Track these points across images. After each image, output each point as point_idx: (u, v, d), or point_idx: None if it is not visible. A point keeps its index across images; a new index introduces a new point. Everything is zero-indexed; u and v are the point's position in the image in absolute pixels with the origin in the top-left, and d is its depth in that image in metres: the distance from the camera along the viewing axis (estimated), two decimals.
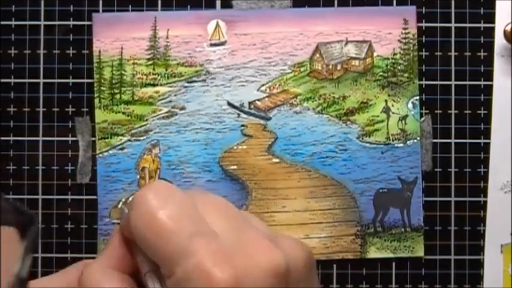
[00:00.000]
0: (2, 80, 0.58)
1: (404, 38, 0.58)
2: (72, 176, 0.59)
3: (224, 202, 0.45)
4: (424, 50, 0.59)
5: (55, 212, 0.58)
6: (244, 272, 0.40)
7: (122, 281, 0.45)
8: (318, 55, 0.58)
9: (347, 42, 0.59)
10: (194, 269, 0.39)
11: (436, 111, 0.59)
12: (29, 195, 0.58)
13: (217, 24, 0.58)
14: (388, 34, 0.58)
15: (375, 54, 0.59)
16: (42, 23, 0.59)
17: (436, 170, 0.59)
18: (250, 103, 0.58)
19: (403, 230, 0.58)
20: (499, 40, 0.59)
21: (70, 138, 0.59)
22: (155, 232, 0.41)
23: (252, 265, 0.40)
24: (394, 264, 0.58)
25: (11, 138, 0.58)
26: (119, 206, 0.58)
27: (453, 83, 0.59)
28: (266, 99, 0.59)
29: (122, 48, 0.58)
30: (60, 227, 0.58)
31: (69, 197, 0.59)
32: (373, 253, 0.58)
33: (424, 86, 0.59)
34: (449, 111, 0.59)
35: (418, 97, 0.59)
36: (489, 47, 0.59)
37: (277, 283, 0.41)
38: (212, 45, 0.58)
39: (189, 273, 0.39)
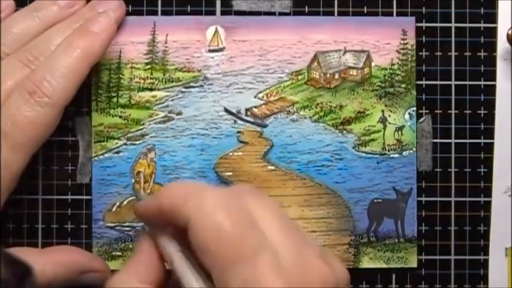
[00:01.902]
0: None
1: (403, 49, 0.58)
2: (72, 176, 0.59)
3: (277, 207, 0.46)
4: (424, 50, 0.59)
5: (55, 212, 0.58)
6: None
7: None
8: (315, 64, 0.58)
9: (345, 51, 0.58)
10: (253, 281, 0.40)
11: (436, 111, 0.59)
12: (29, 195, 0.58)
13: (216, 30, 0.58)
14: (387, 44, 0.58)
15: (373, 64, 0.58)
16: None
17: (436, 170, 0.59)
18: (247, 110, 0.58)
19: (396, 240, 0.58)
20: (502, 43, 0.59)
21: (70, 138, 0.59)
22: (219, 242, 0.41)
23: (307, 284, 0.41)
24: None
25: None
26: (113, 209, 0.58)
27: (453, 83, 0.59)
28: (263, 106, 0.58)
29: (120, 51, 0.58)
30: (60, 227, 0.58)
31: (69, 197, 0.59)
32: (366, 263, 0.58)
33: (424, 86, 0.59)
34: (449, 111, 0.59)
35: (415, 108, 0.59)
36: (489, 47, 0.59)
37: None
38: (210, 51, 0.58)
39: (246, 284, 0.40)
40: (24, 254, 0.49)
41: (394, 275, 0.59)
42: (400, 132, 0.58)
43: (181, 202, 0.43)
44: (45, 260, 0.52)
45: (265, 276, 0.40)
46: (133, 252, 0.50)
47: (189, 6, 0.59)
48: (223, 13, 0.59)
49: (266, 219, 0.43)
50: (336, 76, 0.58)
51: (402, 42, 0.58)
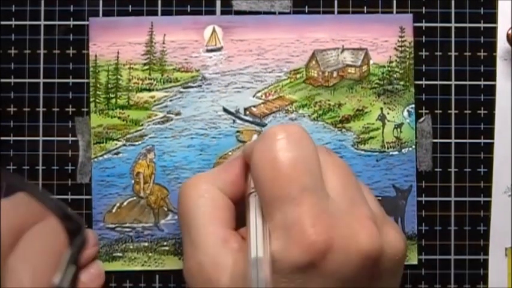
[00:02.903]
0: (2, 80, 0.59)
1: (401, 46, 0.58)
2: (72, 176, 0.59)
3: (346, 168, 0.46)
4: (423, 49, 0.59)
5: None
6: (339, 245, 0.41)
7: (218, 198, 0.47)
8: (314, 62, 0.58)
9: (343, 49, 0.58)
10: (293, 221, 0.40)
11: (436, 111, 0.59)
12: None
13: (214, 30, 0.58)
14: (385, 42, 0.58)
15: (371, 61, 0.58)
16: (42, 23, 0.59)
17: (436, 170, 0.59)
18: (245, 109, 0.58)
19: None
20: (502, 43, 0.58)
21: (70, 138, 0.59)
22: (271, 172, 0.42)
23: (350, 242, 0.41)
24: None
25: (11, 138, 0.59)
26: (113, 210, 0.58)
27: (453, 83, 0.59)
28: (262, 105, 0.58)
29: (118, 52, 0.58)
30: None
31: (69, 197, 0.59)
32: None
33: (424, 86, 0.59)
34: (449, 111, 0.59)
35: (413, 105, 0.58)
36: (489, 47, 0.59)
37: (365, 267, 0.42)
38: (208, 50, 0.58)
39: (287, 222, 0.41)
40: None
41: None
42: (399, 130, 0.58)
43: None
44: None
45: (305, 219, 0.40)
46: (226, 163, 0.51)
47: (188, 6, 0.59)
48: (223, 13, 0.59)
49: (329, 169, 0.44)
50: (334, 74, 0.58)
51: (400, 39, 0.58)
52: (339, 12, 0.59)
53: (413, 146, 0.58)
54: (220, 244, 0.44)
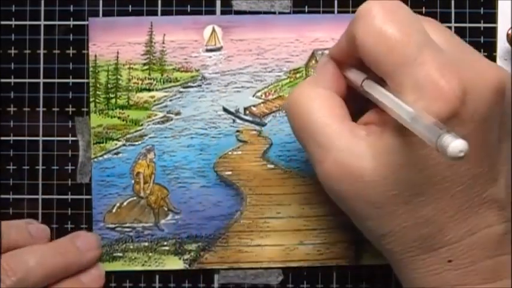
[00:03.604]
0: (2, 80, 0.59)
1: None
2: (72, 176, 0.59)
3: (446, 28, 0.47)
4: None
5: (55, 212, 0.59)
6: (471, 85, 0.42)
7: (329, 97, 0.48)
8: (313, 62, 0.58)
9: None
10: (423, 79, 0.41)
11: None
12: (29, 195, 0.59)
13: (214, 30, 0.58)
14: None
15: None
16: (42, 23, 0.59)
17: None
18: (245, 109, 0.58)
19: None
20: (502, 43, 0.58)
21: (70, 138, 0.59)
22: (384, 44, 0.42)
23: (480, 80, 0.42)
24: None
25: (11, 138, 0.59)
26: (113, 211, 0.58)
27: None
28: (261, 105, 0.58)
29: (117, 52, 0.58)
30: (60, 227, 0.59)
31: (69, 197, 0.59)
32: (367, 260, 0.58)
33: None
34: None
35: None
36: (489, 47, 0.59)
37: (498, 102, 0.43)
38: (208, 50, 0.58)
39: (418, 83, 0.41)
40: None
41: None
42: None
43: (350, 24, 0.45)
44: None
45: (433, 74, 0.41)
46: (318, 70, 0.50)
47: (189, 6, 0.59)
48: (223, 13, 0.59)
49: (433, 30, 0.44)
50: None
51: None
52: (338, 12, 0.59)
53: None
54: (350, 135, 0.45)
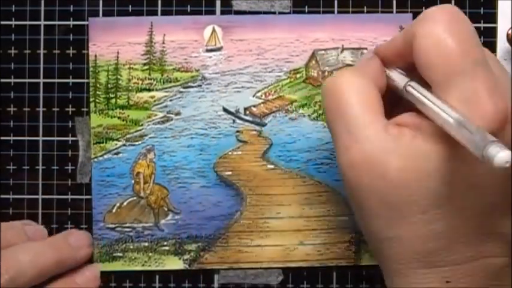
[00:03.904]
0: (2, 80, 0.59)
1: None
2: (72, 176, 0.59)
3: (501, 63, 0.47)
4: None
5: (55, 212, 0.59)
6: None
7: (370, 88, 0.47)
8: (313, 62, 0.58)
9: (343, 49, 0.58)
10: (471, 94, 0.41)
11: None
12: (29, 195, 0.59)
13: (214, 30, 0.58)
14: (384, 41, 0.57)
15: None
16: (42, 23, 0.59)
17: None
18: (245, 109, 0.58)
19: None
20: (502, 43, 0.58)
21: (70, 138, 0.59)
22: (441, 51, 0.42)
23: None
24: None
25: (11, 138, 0.59)
26: (113, 211, 0.58)
27: None
28: (261, 105, 0.58)
29: (118, 52, 0.58)
30: (60, 227, 0.59)
31: (69, 197, 0.59)
32: (367, 260, 0.58)
33: None
34: None
35: None
36: (489, 46, 0.58)
37: None
38: (208, 50, 0.58)
39: (464, 97, 0.41)
40: None
41: None
42: None
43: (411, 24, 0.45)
44: None
45: (481, 92, 0.41)
46: (362, 62, 0.50)
47: (188, 6, 0.59)
48: (223, 13, 0.59)
49: (488, 57, 0.44)
50: (334, 74, 0.58)
51: None
52: (338, 12, 0.59)
53: None
54: (382, 130, 0.44)
